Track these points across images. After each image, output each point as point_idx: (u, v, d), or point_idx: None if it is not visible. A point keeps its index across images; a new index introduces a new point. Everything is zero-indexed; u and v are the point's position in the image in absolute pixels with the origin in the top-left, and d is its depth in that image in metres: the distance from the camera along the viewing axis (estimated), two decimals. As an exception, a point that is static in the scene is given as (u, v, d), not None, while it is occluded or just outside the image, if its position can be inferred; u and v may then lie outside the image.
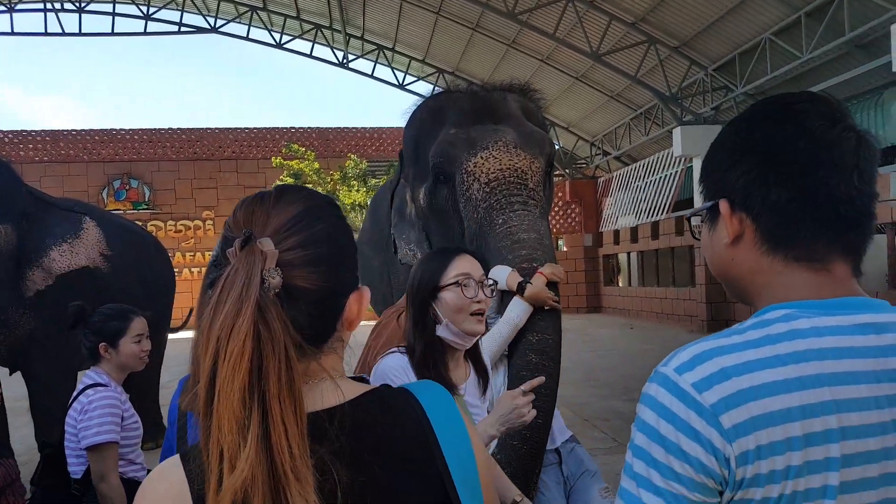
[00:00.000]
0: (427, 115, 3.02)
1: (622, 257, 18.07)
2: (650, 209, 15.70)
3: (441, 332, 1.75)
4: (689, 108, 13.24)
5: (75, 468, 2.29)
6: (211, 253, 19.11)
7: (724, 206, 0.84)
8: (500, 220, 2.52)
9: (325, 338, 0.81)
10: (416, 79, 18.73)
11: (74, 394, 2.33)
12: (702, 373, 0.73)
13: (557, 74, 15.26)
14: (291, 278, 0.75)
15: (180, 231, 20.26)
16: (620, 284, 18.19)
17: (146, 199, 20.14)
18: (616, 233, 17.51)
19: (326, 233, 0.81)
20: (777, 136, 0.80)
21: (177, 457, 0.77)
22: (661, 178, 15.38)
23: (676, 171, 14.76)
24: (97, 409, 2.24)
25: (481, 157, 2.63)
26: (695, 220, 0.96)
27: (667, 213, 14.89)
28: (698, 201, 0.94)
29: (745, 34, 11.57)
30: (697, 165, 13.33)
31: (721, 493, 0.72)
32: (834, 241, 0.80)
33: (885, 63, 8.72)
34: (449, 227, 2.82)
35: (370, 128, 21.56)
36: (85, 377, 2.36)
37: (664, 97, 13.25)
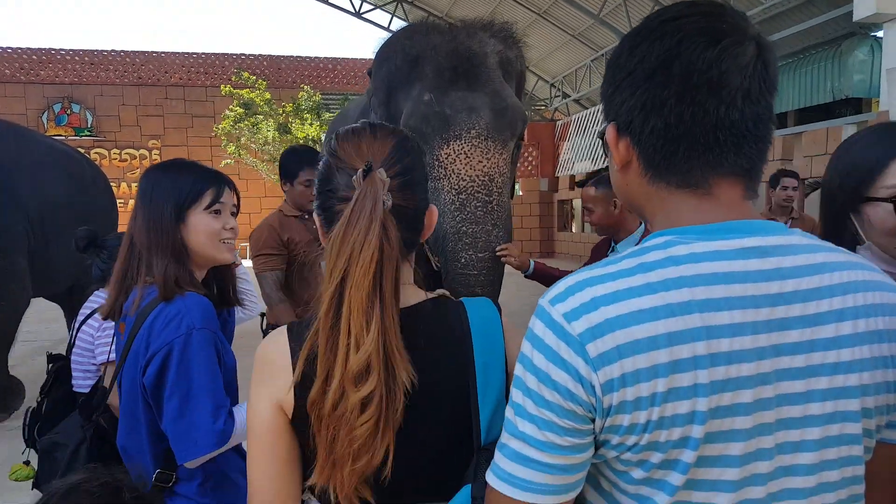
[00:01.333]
0: (402, 63, 2.81)
1: (577, 203, 17.98)
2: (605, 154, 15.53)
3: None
4: (649, 51, 12.95)
5: (81, 382, 2.23)
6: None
7: (611, 130, 0.84)
8: (463, 260, 2.53)
9: (412, 247, 1.02)
10: (373, 7, 17.89)
11: (87, 312, 2.28)
12: (573, 303, 0.74)
13: (519, 9, 14.72)
14: (395, 200, 0.93)
15: (125, 160, 19.47)
16: (573, 230, 18.17)
17: (89, 125, 19.20)
18: (572, 178, 17.33)
19: (413, 162, 0.99)
20: (651, 58, 0.77)
21: (283, 328, 1.01)
22: (618, 123, 15.16)
23: (634, 117, 14.54)
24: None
25: (453, 150, 2.60)
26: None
27: (622, 159, 14.74)
28: None
29: (709, -25, 11.23)
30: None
31: (593, 421, 0.73)
32: (715, 165, 0.77)
33: (846, 12, 8.53)
34: None
35: (325, 58, 20.72)
36: (95, 296, 2.35)
37: (625, 39, 12.91)
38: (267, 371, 0.99)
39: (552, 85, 17.80)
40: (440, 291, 1.06)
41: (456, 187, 2.58)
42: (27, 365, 6.15)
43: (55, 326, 7.61)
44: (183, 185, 1.53)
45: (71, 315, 5.40)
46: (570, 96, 17.28)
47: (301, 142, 16.87)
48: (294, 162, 3.03)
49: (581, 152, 17.08)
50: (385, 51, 2.95)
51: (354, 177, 0.93)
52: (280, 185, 3.08)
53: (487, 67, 2.78)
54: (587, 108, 16.95)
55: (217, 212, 1.56)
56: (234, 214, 1.64)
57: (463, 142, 2.61)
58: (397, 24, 17.65)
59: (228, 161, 17.97)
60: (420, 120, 2.65)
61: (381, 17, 18.28)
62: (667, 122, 0.77)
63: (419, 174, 1.00)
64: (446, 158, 2.61)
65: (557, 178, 18.40)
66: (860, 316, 0.75)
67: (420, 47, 2.81)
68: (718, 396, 0.70)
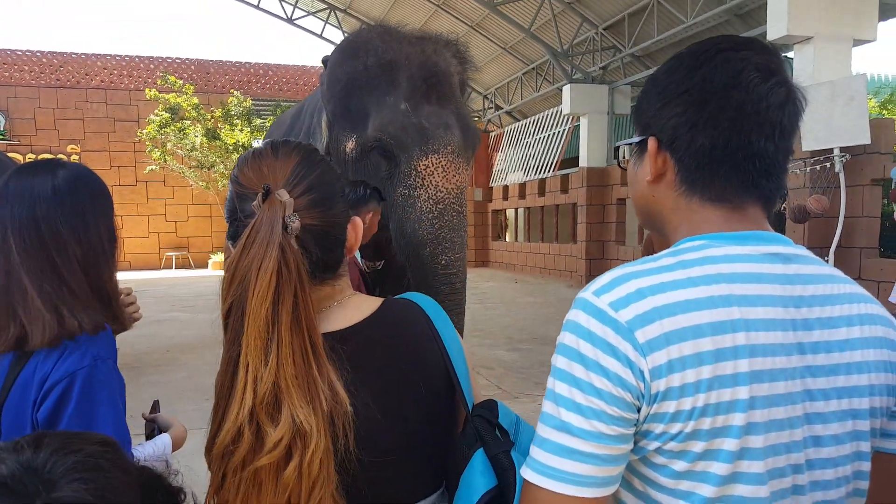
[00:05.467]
0: (375, 66, 2.88)
1: (510, 213, 18.28)
2: (538, 166, 15.86)
3: None
4: (578, 66, 13.32)
5: None
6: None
7: (651, 144, 0.87)
8: (443, 262, 2.76)
9: (337, 265, 0.98)
10: (305, 13, 17.70)
11: None
12: (619, 293, 0.76)
13: (453, 21, 14.88)
14: (303, 219, 0.89)
15: (41, 165, 18.41)
16: (507, 239, 18.45)
17: (1, 129, 18.11)
18: (505, 188, 17.61)
19: (322, 177, 0.95)
20: (713, 82, 0.82)
21: None
22: (549, 135, 15.52)
23: (565, 130, 14.92)
24: None
25: (432, 162, 2.78)
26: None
27: (553, 170, 15.08)
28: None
29: (635, -6, 11.69)
30: (584, 124, 13.74)
31: (639, 410, 0.75)
32: (748, 187, 0.84)
33: (760, 33, 9.04)
34: None
35: (256, 63, 20.27)
36: None
37: (556, 53, 13.25)
38: None
39: (485, 97, 18.06)
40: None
41: (434, 198, 2.78)
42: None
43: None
44: None
45: None
46: (502, 108, 17.57)
47: (230, 147, 16.47)
48: None
49: (514, 163, 17.38)
50: (353, 47, 3.00)
51: (254, 202, 0.89)
52: None
53: (452, 86, 2.98)
54: (519, 120, 17.28)
55: None
56: None
57: (441, 156, 2.80)
58: (330, 31, 17.55)
59: (153, 167, 17.34)
60: (399, 129, 2.80)
61: (313, 24, 18.08)
62: (714, 143, 0.82)
63: (329, 188, 0.96)
64: (425, 170, 2.79)
65: (491, 188, 18.66)
66: (865, 323, 0.83)
67: (394, 53, 2.89)
68: (757, 386, 0.74)
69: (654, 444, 0.76)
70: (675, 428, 0.74)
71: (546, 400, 0.80)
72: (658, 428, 0.75)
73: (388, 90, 2.87)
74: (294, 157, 0.95)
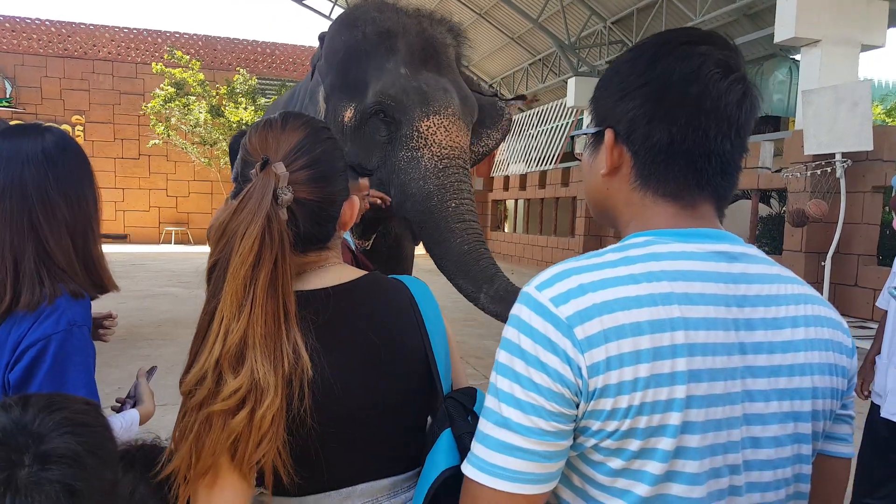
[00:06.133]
0: (373, 34, 2.95)
1: (510, 203, 18.30)
2: (540, 158, 15.86)
3: None
4: (585, 59, 13.29)
5: None
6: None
7: (608, 136, 0.85)
8: (453, 205, 2.86)
9: (326, 238, 1.02)
10: (314, -6, 17.63)
11: None
12: (560, 289, 0.76)
13: (461, 7, 14.84)
14: (298, 192, 0.94)
15: (45, 134, 18.41)
16: (506, 230, 18.49)
17: (7, 96, 18.08)
18: (506, 179, 17.63)
19: (324, 154, 0.99)
20: (672, 76, 0.80)
21: None
22: (553, 127, 15.51)
23: (568, 122, 14.90)
24: None
25: (434, 122, 2.86)
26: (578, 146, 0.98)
27: (555, 163, 15.08)
28: (581, 145, 0.96)
29: (645, -11, 11.65)
30: (588, 118, 13.54)
31: (578, 406, 0.74)
32: (702, 185, 0.82)
33: (768, 34, 9.02)
34: (369, 157, 2.99)
35: (263, 42, 20.23)
36: None
37: (563, 45, 13.21)
38: None
39: (490, 86, 17.98)
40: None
41: (438, 154, 2.87)
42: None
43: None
44: None
45: None
46: (506, 98, 17.53)
47: (234, 125, 16.45)
48: None
49: (516, 154, 17.38)
50: (351, 18, 3.06)
51: (251, 170, 0.95)
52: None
53: (448, 58, 3.05)
54: (523, 112, 17.25)
55: None
56: None
57: (442, 117, 2.89)
58: (338, 12, 17.46)
59: (156, 141, 17.34)
60: (400, 91, 2.85)
61: (322, 4, 18.02)
62: (671, 139, 0.80)
63: (331, 166, 0.99)
64: (427, 130, 2.87)
65: (492, 178, 18.66)
66: (810, 324, 0.81)
67: (391, 22, 2.96)
68: (695, 385, 0.73)
69: (592, 441, 0.75)
70: (612, 425, 0.73)
71: (488, 394, 0.79)
72: (595, 425, 0.74)
73: (387, 56, 2.93)
74: (300, 132, 0.99)
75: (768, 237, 10.59)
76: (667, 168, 0.82)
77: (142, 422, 1.48)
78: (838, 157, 7.29)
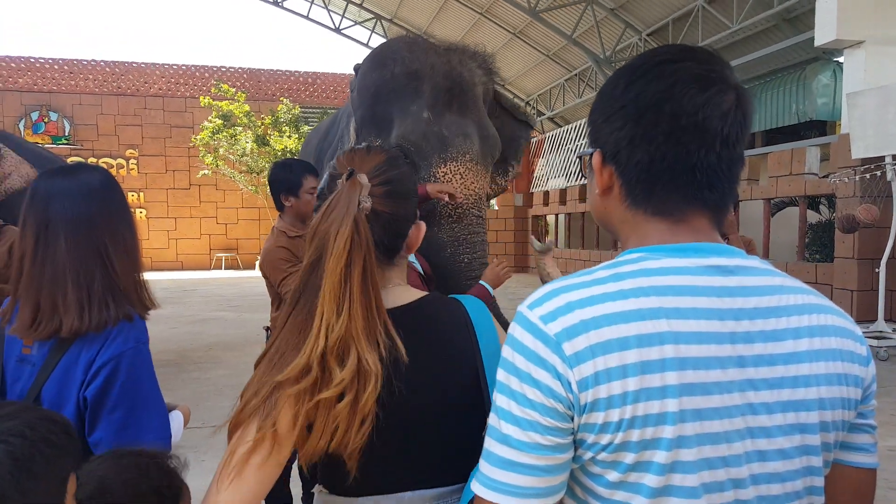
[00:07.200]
0: (401, 74, 3.04)
1: (551, 219, 18.25)
2: (579, 172, 15.70)
3: None
4: (622, 72, 13.25)
5: None
6: (133, 193, 18.43)
7: (596, 157, 0.88)
8: (466, 260, 2.95)
9: (394, 252, 1.12)
10: (352, 23, 18.11)
11: None
12: (549, 307, 0.78)
13: (495, 28, 15.01)
14: (375, 204, 1.05)
15: (101, 169, 19.23)
16: (549, 246, 18.38)
17: (66, 134, 19.03)
18: (546, 194, 17.61)
19: (399, 177, 1.11)
20: (646, 97, 0.81)
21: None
22: (592, 141, 15.43)
23: (607, 136, 14.81)
24: None
25: (450, 169, 2.91)
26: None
27: (596, 176, 14.97)
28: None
29: (680, 0, 11.59)
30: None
31: (573, 419, 0.76)
32: (690, 200, 0.83)
33: (809, 38, 8.87)
34: None
35: (304, 72, 20.82)
36: None
37: (598, 59, 13.22)
38: None
39: (527, 103, 18.10)
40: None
41: (453, 203, 2.91)
42: None
43: None
44: None
45: None
46: (544, 114, 17.59)
47: (279, 153, 16.91)
48: (293, 174, 2.85)
49: (555, 169, 17.36)
50: (382, 56, 3.14)
51: (340, 179, 1.07)
52: (278, 203, 2.86)
53: (475, 96, 3.09)
54: (561, 126, 17.27)
55: None
56: None
57: (459, 164, 2.93)
58: (376, 40, 17.87)
59: (206, 172, 17.95)
60: (420, 137, 2.93)
61: (360, 33, 18.46)
62: (652, 158, 0.81)
63: (404, 188, 1.11)
64: (443, 176, 2.91)
65: (532, 193, 18.66)
66: (815, 335, 0.80)
67: (419, 63, 3.03)
68: (689, 399, 0.73)
69: (589, 454, 0.77)
70: (605, 438, 0.75)
71: (491, 412, 0.81)
72: (590, 438, 0.76)
73: (412, 98, 3.00)
74: (381, 156, 1.12)
75: (818, 244, 10.30)
76: (651, 187, 0.83)
77: (185, 421, 1.60)
78: (888, 159, 7.05)
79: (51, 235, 1.35)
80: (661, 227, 0.84)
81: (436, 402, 1.06)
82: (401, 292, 1.12)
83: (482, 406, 1.06)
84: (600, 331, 0.74)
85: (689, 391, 0.74)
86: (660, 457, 0.73)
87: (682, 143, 0.80)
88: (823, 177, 8.63)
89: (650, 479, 0.74)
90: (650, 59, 0.84)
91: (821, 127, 10.88)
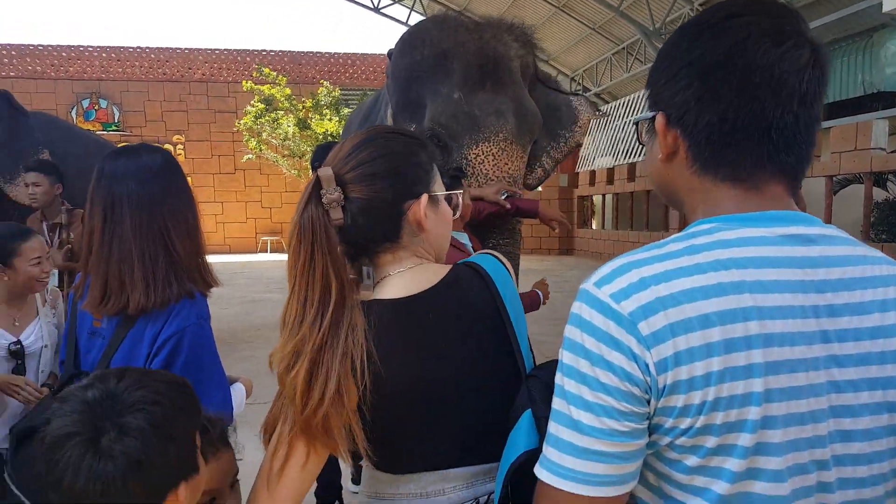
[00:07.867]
0: (430, 56, 2.95)
1: (597, 199, 17.85)
2: (628, 150, 15.39)
3: None
4: (671, 44, 12.79)
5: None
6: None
7: (660, 120, 0.83)
8: (491, 244, 2.84)
9: (394, 236, 1.05)
10: (391, 2, 17.92)
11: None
12: (620, 284, 0.73)
13: (538, 2, 14.63)
14: (349, 192, 1.01)
15: (150, 155, 19.65)
16: (594, 227, 18.04)
17: (116, 121, 19.47)
18: (592, 173, 17.20)
19: (374, 154, 1.03)
20: (716, 53, 0.76)
21: None
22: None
23: (656, 112, 14.38)
24: None
25: (482, 150, 2.80)
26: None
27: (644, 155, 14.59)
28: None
29: (734, -33, 11.07)
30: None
31: (649, 403, 0.72)
32: (765, 163, 0.77)
33: (877, 2, 8.36)
34: None
35: (343, 53, 20.73)
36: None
37: (648, 32, 12.77)
38: None
39: (572, 79, 17.68)
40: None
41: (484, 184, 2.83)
42: None
43: None
44: None
45: None
46: (590, 90, 17.15)
47: (320, 137, 16.96)
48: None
49: (602, 147, 16.96)
50: (412, 38, 3.05)
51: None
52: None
53: (511, 71, 2.94)
54: (608, 103, 16.82)
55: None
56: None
57: (492, 144, 2.81)
58: (415, 18, 17.67)
59: (250, 156, 18.14)
60: (450, 118, 2.82)
61: (399, 12, 18.30)
62: (722, 117, 0.77)
63: (382, 165, 1.03)
64: (475, 158, 2.81)
65: (577, 173, 18.28)
66: None
67: (450, 42, 2.92)
68: (774, 378, 0.70)
69: (666, 439, 0.73)
70: (685, 422, 0.71)
71: (555, 396, 0.77)
72: (668, 422, 0.72)
73: (443, 79, 2.89)
74: (355, 139, 1.06)
75: (885, 224, 9.80)
76: (722, 149, 0.78)
77: (247, 394, 1.69)
78: (965, 131, 6.62)
79: (116, 215, 1.38)
80: (732, 193, 0.79)
81: (470, 377, 1.03)
82: (418, 273, 1.06)
83: (518, 375, 1.04)
84: (680, 308, 0.70)
85: (775, 369, 0.70)
86: (744, 439, 0.70)
87: (756, 100, 0.75)
88: (892, 152, 8.16)
89: (733, 463, 0.71)
90: (717, 13, 0.78)
91: (889, 99, 10.28)
